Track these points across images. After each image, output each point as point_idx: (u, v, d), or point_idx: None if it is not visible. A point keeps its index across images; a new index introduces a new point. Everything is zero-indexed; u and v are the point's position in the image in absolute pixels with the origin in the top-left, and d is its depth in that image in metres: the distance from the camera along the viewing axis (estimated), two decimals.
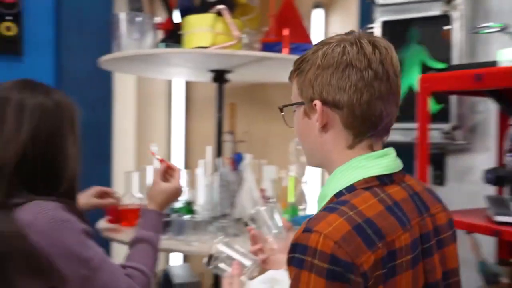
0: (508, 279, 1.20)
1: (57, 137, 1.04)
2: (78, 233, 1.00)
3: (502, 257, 1.38)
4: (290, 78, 0.94)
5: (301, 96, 0.90)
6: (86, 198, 1.46)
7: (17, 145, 1.00)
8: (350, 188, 0.84)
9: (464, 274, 0.97)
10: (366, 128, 0.87)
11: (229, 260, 1.05)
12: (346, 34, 0.88)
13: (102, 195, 1.55)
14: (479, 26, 1.35)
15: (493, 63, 1.17)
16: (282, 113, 0.98)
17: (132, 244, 1.20)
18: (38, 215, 0.97)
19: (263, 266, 1.09)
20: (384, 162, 0.87)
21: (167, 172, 1.30)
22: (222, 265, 1.05)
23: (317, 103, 0.86)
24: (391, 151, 0.91)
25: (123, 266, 1.12)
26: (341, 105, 0.85)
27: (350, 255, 0.75)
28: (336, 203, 0.81)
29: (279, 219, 1.15)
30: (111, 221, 1.72)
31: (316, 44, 0.89)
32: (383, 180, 0.85)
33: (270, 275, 1.02)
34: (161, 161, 1.32)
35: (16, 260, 0.97)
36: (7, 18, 1.98)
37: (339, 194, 0.84)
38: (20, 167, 1.00)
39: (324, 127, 0.87)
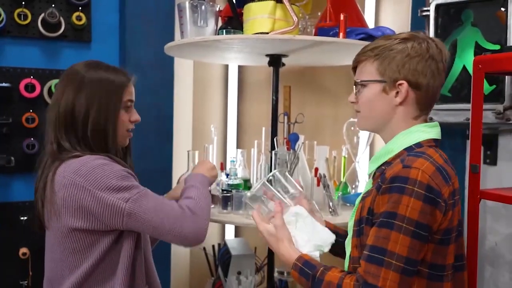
0: None
1: (107, 106, 1.28)
2: (119, 171, 1.21)
3: None
4: (362, 58, 1.18)
5: (382, 76, 1.15)
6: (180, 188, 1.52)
7: (71, 108, 1.26)
8: (418, 145, 1.12)
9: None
10: (428, 106, 1.17)
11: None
12: (417, 32, 1.17)
13: None
14: None
15: None
16: (356, 87, 1.20)
17: (181, 193, 1.37)
18: (85, 162, 1.21)
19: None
20: (436, 130, 1.17)
21: None
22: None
23: (404, 83, 1.12)
24: (438, 124, 1.20)
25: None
26: (421, 86, 1.13)
27: (438, 186, 1.03)
28: (416, 152, 1.08)
29: (292, 181, 1.37)
30: None
31: (390, 38, 1.16)
32: (437, 143, 1.16)
33: (294, 210, 1.25)
34: None
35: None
36: (78, 8, 2.16)
37: (410, 149, 1.12)
38: (73, 127, 1.26)
39: (402, 102, 1.14)
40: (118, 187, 1.19)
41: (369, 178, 1.23)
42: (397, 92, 1.13)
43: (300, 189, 1.36)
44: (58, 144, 1.28)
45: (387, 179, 1.04)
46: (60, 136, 1.28)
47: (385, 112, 1.16)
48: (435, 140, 1.15)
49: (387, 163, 1.13)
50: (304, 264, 1.13)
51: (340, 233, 1.32)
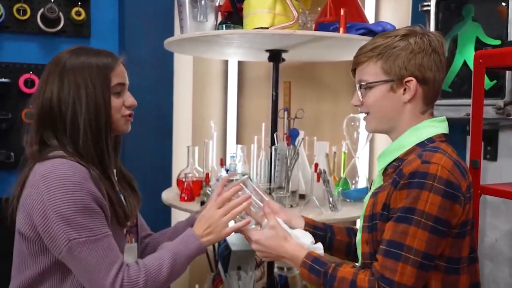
0: None
1: (94, 95, 1.14)
2: (83, 200, 1.05)
3: None
4: (364, 59, 1.15)
5: (388, 75, 1.13)
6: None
7: (56, 101, 1.13)
8: (430, 140, 1.12)
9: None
10: (434, 99, 1.17)
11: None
12: (413, 27, 1.16)
13: None
14: None
15: None
16: (361, 89, 1.17)
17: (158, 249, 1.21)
18: (55, 167, 1.06)
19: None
20: (445, 124, 1.17)
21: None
22: None
23: (413, 80, 1.11)
24: (445, 118, 1.19)
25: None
26: (428, 81, 1.12)
27: (458, 180, 1.03)
28: (432, 147, 1.08)
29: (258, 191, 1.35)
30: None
31: (397, 36, 1.13)
32: (446, 137, 1.15)
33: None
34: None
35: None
36: (78, 4, 2.15)
37: (422, 144, 1.11)
38: (60, 121, 1.13)
39: (411, 99, 1.13)
40: (70, 220, 1.04)
41: (379, 174, 1.21)
42: (405, 89, 1.12)
43: (266, 197, 1.34)
44: (41, 142, 1.15)
45: (406, 175, 1.04)
46: (44, 133, 1.15)
47: (395, 111, 1.15)
48: (445, 135, 1.15)
49: (399, 159, 1.12)
50: (314, 261, 1.12)
51: (318, 226, 1.33)
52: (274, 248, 1.18)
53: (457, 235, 1.05)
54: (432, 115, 1.18)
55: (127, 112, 1.23)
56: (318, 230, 1.31)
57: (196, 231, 1.22)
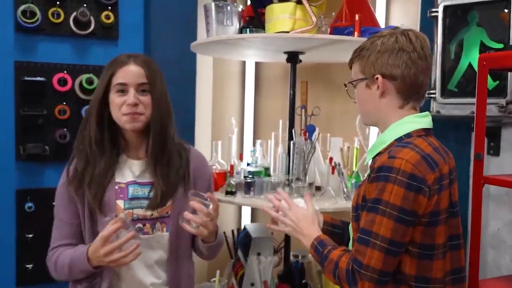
0: None
1: (95, 95, 1.42)
2: (58, 196, 1.43)
3: None
4: (350, 63, 1.31)
5: (363, 74, 1.26)
6: None
7: None
8: (408, 135, 1.21)
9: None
10: (412, 93, 1.25)
11: None
12: (394, 29, 1.27)
13: None
14: None
15: None
16: (346, 88, 1.34)
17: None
18: None
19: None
20: (427, 120, 1.25)
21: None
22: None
23: (379, 77, 1.23)
24: (429, 114, 1.27)
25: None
26: (396, 77, 1.22)
27: (422, 173, 1.11)
28: (404, 142, 1.18)
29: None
30: None
31: (371, 38, 1.26)
32: (427, 132, 1.23)
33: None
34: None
35: None
36: (107, 8, 2.30)
37: (400, 139, 1.21)
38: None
39: (383, 94, 1.24)
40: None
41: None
42: (378, 86, 1.24)
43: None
44: None
45: (375, 169, 1.14)
46: None
47: (373, 106, 1.26)
48: (425, 129, 1.23)
49: (381, 153, 1.22)
50: (319, 243, 1.27)
51: (336, 224, 1.44)
52: (302, 224, 1.33)
53: (428, 223, 1.14)
54: (415, 110, 1.26)
55: (126, 110, 1.35)
56: (336, 228, 1.43)
57: (88, 254, 1.33)
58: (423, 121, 1.25)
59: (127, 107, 1.35)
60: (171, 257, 1.43)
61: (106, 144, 1.40)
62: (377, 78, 1.23)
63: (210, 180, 1.57)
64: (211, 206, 1.31)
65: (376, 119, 1.28)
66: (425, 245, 1.15)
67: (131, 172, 1.43)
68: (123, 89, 1.36)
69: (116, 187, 1.40)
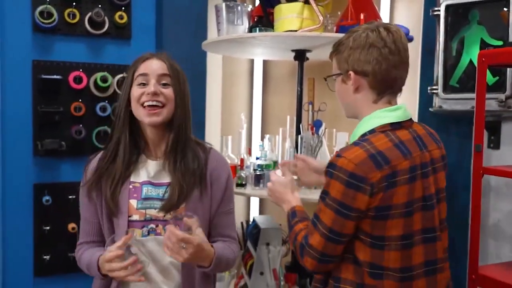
0: None
1: (123, 91, 1.39)
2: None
3: None
4: (330, 57, 1.35)
5: (339, 69, 1.31)
6: None
7: None
8: (372, 131, 1.25)
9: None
10: (385, 88, 1.28)
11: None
12: (368, 23, 1.30)
13: None
14: None
15: None
16: (326, 81, 1.40)
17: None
18: None
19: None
20: (395, 114, 1.27)
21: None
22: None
23: (351, 73, 1.27)
24: (402, 106, 1.30)
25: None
26: (367, 73, 1.26)
27: (364, 172, 1.17)
28: (360, 140, 1.23)
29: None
30: None
31: (348, 32, 1.29)
32: (395, 126, 1.26)
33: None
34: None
35: None
36: (121, 8, 2.38)
37: (363, 135, 1.25)
38: None
39: (356, 89, 1.28)
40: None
41: None
42: (352, 82, 1.28)
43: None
44: None
45: (328, 164, 1.23)
46: None
47: (349, 100, 1.31)
48: (394, 123, 1.25)
49: None
50: (292, 213, 1.37)
51: None
52: (280, 193, 1.42)
53: (375, 217, 1.20)
54: (390, 104, 1.29)
55: (146, 99, 1.32)
56: None
57: (98, 263, 1.35)
58: (392, 115, 1.27)
59: (146, 96, 1.32)
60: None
61: (128, 144, 1.38)
62: (350, 74, 1.26)
63: (228, 183, 1.46)
64: (184, 234, 1.24)
65: (354, 113, 1.33)
66: (375, 236, 1.21)
67: (146, 172, 1.40)
68: (144, 81, 1.35)
69: (130, 186, 1.39)
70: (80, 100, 2.32)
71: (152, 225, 1.37)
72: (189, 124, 1.43)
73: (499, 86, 1.79)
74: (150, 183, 1.39)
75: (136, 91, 1.34)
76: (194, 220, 1.27)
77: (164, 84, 1.36)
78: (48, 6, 2.22)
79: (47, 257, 2.30)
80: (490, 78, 1.81)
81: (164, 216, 1.36)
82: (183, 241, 1.22)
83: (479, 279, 1.54)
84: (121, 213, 1.35)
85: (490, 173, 1.55)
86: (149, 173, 1.39)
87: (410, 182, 1.22)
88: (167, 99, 1.35)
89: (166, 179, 1.38)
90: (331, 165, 1.20)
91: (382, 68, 1.24)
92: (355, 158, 1.18)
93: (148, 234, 1.37)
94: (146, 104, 1.33)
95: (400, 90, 1.34)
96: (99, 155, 1.44)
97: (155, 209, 1.37)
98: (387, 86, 1.28)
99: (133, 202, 1.37)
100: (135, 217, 1.36)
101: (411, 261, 1.24)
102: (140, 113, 1.34)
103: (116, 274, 1.27)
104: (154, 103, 1.33)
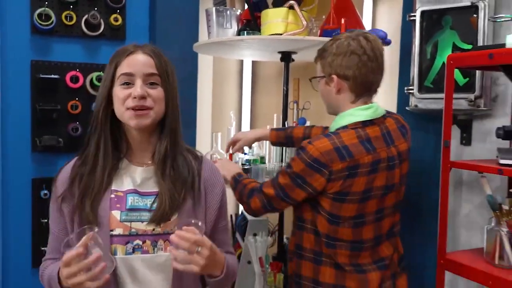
0: (508, 207, 1.59)
1: (101, 88, 1.23)
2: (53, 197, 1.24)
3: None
4: (315, 60, 1.56)
5: (323, 72, 1.51)
6: None
7: None
8: (344, 127, 1.46)
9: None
10: (363, 91, 1.49)
11: None
12: (349, 32, 1.51)
13: None
14: (495, 16, 1.71)
15: (502, 45, 1.54)
16: (311, 82, 1.61)
17: None
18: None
19: None
20: (366, 112, 1.47)
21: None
22: None
23: (334, 76, 1.48)
24: (374, 105, 1.51)
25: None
26: (349, 77, 1.47)
27: (326, 160, 1.40)
28: (332, 133, 1.46)
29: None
30: None
31: (331, 40, 1.50)
32: (365, 124, 1.46)
33: None
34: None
35: None
36: (116, 11, 2.49)
37: (338, 129, 1.47)
38: None
39: (338, 91, 1.50)
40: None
41: None
42: (334, 84, 1.48)
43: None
44: None
45: (300, 146, 1.47)
46: None
47: (331, 100, 1.52)
48: (365, 121, 1.45)
49: None
50: (238, 175, 1.70)
51: (281, 141, 1.98)
52: (228, 164, 1.77)
53: (334, 199, 1.44)
54: (365, 104, 1.50)
55: (131, 103, 1.16)
56: (281, 140, 1.89)
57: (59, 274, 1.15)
58: (363, 114, 1.46)
59: (132, 100, 1.15)
60: (175, 283, 1.19)
61: (108, 147, 1.21)
62: (333, 78, 1.46)
63: (223, 198, 1.32)
64: (196, 235, 1.09)
65: (335, 111, 1.54)
66: (333, 214, 1.46)
67: (131, 179, 1.22)
68: (128, 81, 1.17)
69: (112, 195, 1.19)
70: (77, 99, 2.42)
71: (138, 241, 1.17)
72: (180, 124, 1.29)
73: (469, 87, 1.92)
74: (136, 192, 1.21)
75: (119, 91, 1.17)
76: (203, 227, 1.12)
77: (152, 84, 1.19)
78: (46, 8, 2.32)
79: (45, 248, 2.36)
80: (461, 79, 1.94)
81: (154, 229, 1.18)
82: (196, 244, 1.07)
83: (446, 264, 1.68)
84: (101, 226, 1.15)
85: (457, 167, 1.68)
86: (135, 180, 1.22)
87: (371, 174, 1.42)
88: (155, 101, 1.19)
89: (154, 188, 1.22)
90: (301, 147, 1.43)
91: (361, 73, 1.44)
92: (321, 148, 1.38)
93: (133, 251, 1.17)
94: (131, 106, 1.17)
95: (375, 92, 1.52)
96: (72, 162, 1.25)
97: (142, 221, 1.18)
98: (365, 89, 1.47)
99: (116, 214, 1.18)
100: (118, 231, 1.17)
101: (362, 236, 1.47)
102: (125, 116, 1.18)
103: (77, 280, 1.04)
104: (141, 103, 1.17)
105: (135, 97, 1.16)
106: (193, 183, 1.24)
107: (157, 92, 1.20)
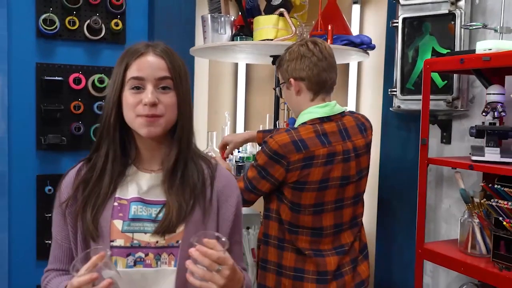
0: (479, 200, 1.73)
1: (109, 92, 1.14)
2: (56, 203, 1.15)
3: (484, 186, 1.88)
4: (276, 71, 1.78)
5: (283, 79, 1.72)
6: None
7: None
8: (303, 124, 1.63)
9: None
10: (319, 88, 1.68)
11: None
12: (300, 41, 1.71)
13: None
14: (468, 23, 1.85)
15: (472, 51, 1.68)
16: (275, 90, 1.88)
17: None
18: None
19: None
20: (323, 110, 1.65)
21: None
22: None
23: (291, 80, 1.68)
24: (330, 103, 1.68)
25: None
26: (304, 78, 1.66)
27: (285, 152, 1.56)
28: (291, 128, 1.61)
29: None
30: None
31: (285, 50, 1.70)
32: (323, 120, 1.64)
33: None
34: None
35: None
36: (117, 16, 2.61)
37: (297, 126, 1.63)
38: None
39: (298, 92, 1.69)
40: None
41: None
42: (293, 87, 1.66)
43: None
44: None
45: (263, 141, 1.64)
46: None
47: (294, 102, 1.71)
48: (321, 118, 1.63)
49: None
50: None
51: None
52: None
53: (294, 188, 1.59)
54: (323, 101, 1.67)
55: (142, 111, 1.07)
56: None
57: None
58: (320, 111, 1.64)
59: (143, 107, 1.07)
60: None
61: (117, 155, 1.13)
62: (291, 81, 1.63)
63: (238, 209, 1.19)
64: (219, 252, 0.98)
65: (298, 111, 1.69)
66: (293, 203, 1.61)
67: (137, 186, 1.13)
68: (138, 85, 1.08)
69: (116, 203, 1.11)
70: (79, 99, 2.55)
71: (140, 254, 1.09)
72: (193, 133, 1.17)
73: (447, 89, 2.06)
74: (140, 200, 1.12)
75: (129, 97, 1.09)
76: (227, 242, 1.02)
77: (164, 88, 1.10)
78: (51, 14, 2.45)
79: (49, 241, 2.50)
80: (440, 82, 2.08)
81: (157, 242, 1.08)
82: (218, 262, 0.97)
83: (424, 253, 1.81)
84: (101, 236, 1.08)
85: (434, 163, 1.82)
86: (141, 188, 1.13)
87: (327, 165, 1.59)
88: (166, 108, 1.10)
89: (160, 196, 1.13)
90: (264, 142, 1.61)
91: (314, 73, 1.63)
92: (280, 141, 1.56)
93: (135, 264, 1.08)
94: (142, 113, 1.09)
95: (332, 89, 1.70)
96: (77, 167, 1.18)
97: (145, 233, 1.09)
98: (320, 87, 1.65)
99: (118, 223, 1.09)
100: (119, 242, 1.08)
101: (322, 223, 1.62)
102: (136, 124, 1.10)
103: None
104: (152, 112, 1.08)
105: (146, 104, 1.07)
106: (204, 192, 1.14)
107: (169, 97, 1.10)
